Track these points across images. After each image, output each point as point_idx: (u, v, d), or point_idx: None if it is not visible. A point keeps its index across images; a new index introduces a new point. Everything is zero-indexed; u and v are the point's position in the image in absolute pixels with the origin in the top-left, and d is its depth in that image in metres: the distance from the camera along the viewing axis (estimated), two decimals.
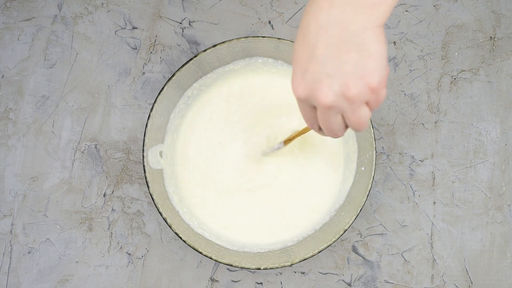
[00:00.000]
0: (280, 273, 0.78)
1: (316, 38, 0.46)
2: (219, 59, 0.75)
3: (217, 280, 0.77)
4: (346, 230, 0.72)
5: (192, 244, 0.71)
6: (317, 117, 0.51)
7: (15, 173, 0.79)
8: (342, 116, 0.49)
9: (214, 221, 0.76)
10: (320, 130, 0.53)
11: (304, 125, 0.74)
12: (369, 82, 0.46)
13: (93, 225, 0.78)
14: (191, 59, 0.73)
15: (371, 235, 0.78)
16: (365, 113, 0.48)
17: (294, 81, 0.48)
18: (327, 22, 0.45)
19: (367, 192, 0.72)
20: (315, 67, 0.46)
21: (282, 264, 0.71)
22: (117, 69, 0.80)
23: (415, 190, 0.79)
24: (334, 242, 0.72)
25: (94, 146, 0.79)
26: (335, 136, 0.51)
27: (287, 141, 0.73)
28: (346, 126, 0.51)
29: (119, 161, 0.79)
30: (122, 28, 0.80)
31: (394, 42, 0.80)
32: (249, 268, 0.71)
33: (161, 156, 0.75)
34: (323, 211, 0.77)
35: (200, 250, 0.71)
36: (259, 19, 0.81)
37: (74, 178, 0.79)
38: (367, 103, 0.48)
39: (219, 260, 0.71)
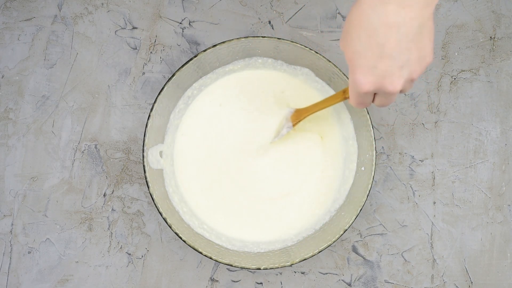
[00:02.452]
0: (280, 273, 0.78)
1: (386, 37, 0.50)
2: (219, 59, 0.75)
3: (217, 280, 0.77)
4: (346, 230, 0.72)
5: (192, 244, 0.71)
6: (371, 100, 0.56)
7: (15, 173, 0.79)
8: None
9: (214, 220, 0.76)
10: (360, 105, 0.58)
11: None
12: (427, 61, 0.52)
13: (93, 225, 0.78)
14: (191, 59, 0.73)
15: (371, 235, 0.78)
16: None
17: (362, 77, 0.52)
18: (397, 21, 0.49)
19: (367, 192, 0.72)
20: (387, 62, 0.51)
21: (282, 264, 0.71)
22: (117, 69, 0.80)
23: (415, 190, 0.79)
24: (334, 242, 0.72)
25: (94, 146, 0.79)
26: (386, 106, 0.60)
27: (295, 121, 0.74)
28: None
29: (119, 161, 0.79)
30: (122, 28, 0.80)
31: None
32: (249, 268, 0.71)
33: (161, 156, 0.75)
34: (323, 211, 0.77)
35: (200, 250, 0.71)
36: (259, 19, 0.81)
37: (74, 178, 0.79)
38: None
39: (219, 260, 0.71)
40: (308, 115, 0.73)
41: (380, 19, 0.49)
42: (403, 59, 0.51)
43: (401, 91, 0.55)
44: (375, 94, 0.55)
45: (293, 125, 0.74)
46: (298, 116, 0.74)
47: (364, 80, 0.52)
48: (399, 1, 0.49)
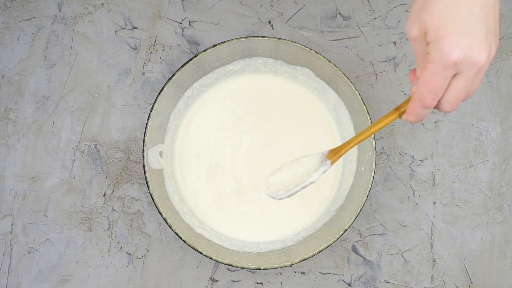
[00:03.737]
0: (280, 273, 0.78)
1: (472, 0, 0.48)
2: (219, 59, 0.75)
3: (217, 280, 0.77)
4: (346, 230, 0.72)
5: (192, 244, 0.71)
6: (446, 85, 0.51)
7: (15, 173, 0.79)
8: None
9: (214, 220, 0.76)
10: (429, 108, 0.53)
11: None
12: (496, 46, 0.51)
13: (93, 225, 0.78)
14: (191, 59, 0.73)
15: (371, 235, 0.78)
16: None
17: (453, 45, 0.48)
18: None
19: (367, 192, 0.72)
20: (476, 27, 0.48)
21: (282, 264, 0.71)
22: (117, 69, 0.80)
23: (415, 190, 0.79)
24: (334, 242, 0.72)
25: (94, 146, 0.79)
26: (453, 109, 0.53)
27: (334, 158, 0.61)
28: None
29: (119, 161, 0.79)
30: (122, 28, 0.80)
31: (394, 42, 0.80)
32: (249, 268, 0.71)
33: (161, 156, 0.75)
34: (323, 211, 0.77)
35: (200, 250, 0.71)
36: (259, 19, 0.81)
37: (74, 178, 0.79)
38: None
39: (219, 260, 0.71)
40: (349, 149, 0.61)
41: None
42: (488, 27, 0.49)
43: (473, 87, 0.51)
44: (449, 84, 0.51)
45: (332, 163, 0.61)
46: (337, 152, 0.61)
47: (454, 48, 0.48)
48: None
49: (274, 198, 0.62)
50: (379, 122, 0.57)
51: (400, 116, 0.56)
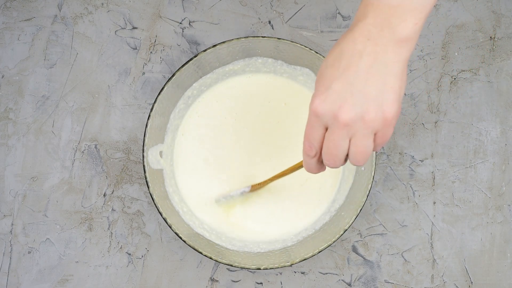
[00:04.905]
0: (280, 273, 0.78)
1: (348, 62, 0.50)
2: (219, 59, 0.75)
3: (217, 280, 0.78)
4: (346, 230, 0.72)
5: (192, 244, 0.71)
6: (322, 140, 0.53)
7: (15, 173, 0.79)
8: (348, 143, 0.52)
9: (214, 220, 0.76)
10: (312, 157, 0.55)
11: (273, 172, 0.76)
12: (385, 112, 0.50)
13: (93, 225, 0.78)
14: (191, 59, 0.73)
15: (371, 235, 0.78)
16: (370, 145, 0.52)
17: (316, 97, 0.51)
18: (362, 51, 0.49)
19: (367, 192, 0.72)
20: (342, 85, 0.50)
21: (282, 264, 0.71)
22: (117, 69, 0.80)
23: (415, 190, 0.79)
24: (334, 242, 0.72)
25: (94, 146, 0.79)
26: (333, 164, 0.54)
27: (255, 186, 0.75)
28: (346, 159, 0.54)
29: (119, 161, 0.79)
30: (122, 28, 0.80)
31: None
32: (249, 268, 0.71)
33: (161, 156, 0.75)
34: (323, 211, 0.77)
35: (200, 250, 0.71)
36: (259, 19, 0.81)
37: (74, 178, 0.79)
38: (375, 135, 0.51)
39: (219, 260, 0.71)
40: (269, 182, 0.74)
41: (348, 44, 0.50)
42: (358, 89, 0.49)
43: (354, 148, 0.52)
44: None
45: (251, 189, 0.75)
46: (255, 187, 0.75)
47: (317, 99, 0.51)
48: (366, 32, 0.49)
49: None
50: (288, 170, 0.69)
51: (302, 166, 0.64)
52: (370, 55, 0.49)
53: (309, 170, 0.57)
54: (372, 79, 0.49)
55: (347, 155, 0.53)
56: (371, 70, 0.49)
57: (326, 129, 0.52)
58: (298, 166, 0.67)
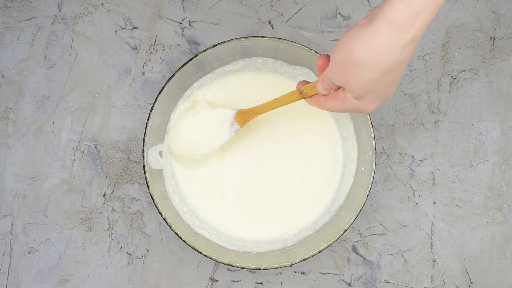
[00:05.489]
0: (280, 273, 0.78)
1: (395, 76, 0.53)
2: (219, 59, 0.75)
3: (217, 280, 0.77)
4: (346, 230, 0.72)
5: (192, 244, 0.71)
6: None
7: (15, 173, 0.79)
8: None
9: (214, 220, 0.76)
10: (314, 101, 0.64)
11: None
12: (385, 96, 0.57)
13: (93, 225, 0.78)
14: (191, 59, 0.73)
15: (371, 235, 0.78)
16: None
17: (368, 105, 0.57)
18: (406, 59, 0.52)
19: (367, 192, 0.72)
20: (385, 92, 0.55)
21: (282, 264, 0.71)
22: (117, 69, 0.80)
23: (415, 190, 0.79)
24: (334, 242, 0.72)
25: (94, 146, 0.79)
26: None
27: (243, 123, 0.74)
28: None
29: (119, 161, 0.79)
30: (122, 28, 0.80)
31: None
32: (249, 268, 0.71)
33: (161, 156, 0.75)
34: (323, 211, 0.77)
35: (200, 250, 0.71)
36: (259, 19, 0.81)
37: (74, 178, 0.79)
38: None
39: (219, 260, 0.71)
40: (256, 116, 0.72)
41: (396, 60, 0.51)
42: (390, 87, 0.55)
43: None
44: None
45: (241, 126, 0.73)
46: (244, 118, 0.73)
47: (373, 106, 0.57)
48: (409, 41, 0.50)
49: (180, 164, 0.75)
50: (284, 98, 0.68)
51: (302, 98, 0.66)
52: (407, 58, 0.52)
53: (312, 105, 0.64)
54: (391, 82, 0.55)
55: None
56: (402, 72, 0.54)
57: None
58: (291, 99, 0.68)
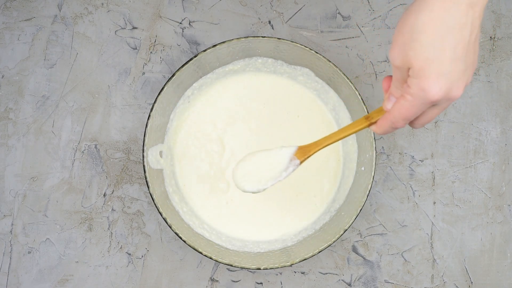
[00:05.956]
0: (280, 273, 0.78)
1: (457, 39, 0.48)
2: (219, 59, 0.75)
3: (217, 280, 0.78)
4: (346, 230, 0.72)
5: (192, 244, 0.71)
6: (419, 113, 0.53)
7: (15, 173, 0.79)
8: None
9: (214, 220, 0.76)
10: (395, 127, 0.55)
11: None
12: (475, 68, 0.52)
13: (93, 225, 0.78)
14: (191, 59, 0.73)
15: (371, 235, 0.78)
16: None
17: (433, 85, 0.50)
18: (467, 22, 0.49)
19: (367, 192, 0.72)
20: (459, 65, 0.49)
21: (282, 264, 0.71)
22: (117, 69, 0.80)
23: (415, 190, 0.79)
24: (334, 242, 0.72)
25: (94, 146, 0.79)
26: (420, 126, 0.56)
27: (303, 158, 0.63)
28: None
29: (119, 161, 0.79)
30: (122, 28, 0.80)
31: None
32: (249, 268, 0.71)
33: (161, 156, 0.75)
34: (323, 211, 0.77)
35: (200, 250, 0.71)
36: (259, 19, 0.81)
37: (74, 178, 0.79)
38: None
39: (219, 260, 0.71)
40: (318, 150, 0.63)
41: (455, 20, 0.48)
42: (466, 63, 0.50)
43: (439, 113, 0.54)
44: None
45: (301, 162, 0.63)
46: (305, 152, 0.63)
47: (436, 86, 0.50)
48: (469, 1, 0.48)
49: (241, 190, 0.65)
50: (349, 128, 0.60)
51: (369, 126, 0.58)
52: (474, 24, 0.49)
53: (385, 133, 0.57)
54: (474, 48, 0.50)
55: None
56: (474, 39, 0.49)
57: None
58: (363, 127, 0.59)
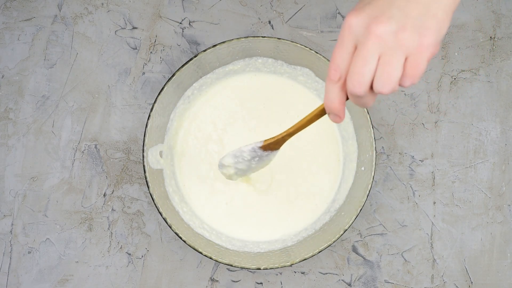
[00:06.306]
0: (280, 273, 0.78)
1: None
2: (219, 59, 0.75)
3: (217, 280, 0.78)
4: (346, 230, 0.72)
5: (192, 244, 0.71)
6: (349, 61, 0.49)
7: (15, 173, 0.79)
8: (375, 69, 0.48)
9: (214, 220, 0.76)
10: (337, 83, 0.50)
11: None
12: (422, 36, 0.46)
13: (93, 225, 0.78)
14: (191, 59, 0.73)
15: (371, 235, 0.78)
16: (398, 68, 0.47)
17: (353, 10, 0.47)
18: None
19: (367, 192, 0.72)
20: (382, 2, 0.46)
21: (282, 264, 0.71)
22: (117, 69, 0.80)
23: (415, 190, 0.79)
24: (334, 242, 0.72)
25: (94, 146, 0.79)
26: (358, 87, 0.49)
27: (268, 141, 0.65)
28: (371, 89, 0.49)
29: (119, 161, 0.79)
30: (122, 28, 0.80)
31: None
32: (249, 268, 0.71)
33: (161, 156, 0.75)
34: (323, 211, 0.77)
35: (200, 250, 0.71)
36: (259, 19, 0.81)
37: (74, 178, 0.79)
38: (406, 61, 0.47)
39: (219, 260, 0.71)
40: (286, 140, 0.64)
41: None
42: (398, 8, 0.46)
43: (382, 67, 0.47)
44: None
45: (264, 149, 0.66)
46: (274, 145, 0.65)
47: (354, 13, 0.47)
48: None
49: (226, 177, 0.72)
50: (307, 117, 0.58)
51: (325, 113, 0.55)
52: None
53: (330, 105, 0.51)
54: (414, 1, 0.46)
55: (372, 83, 0.48)
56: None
57: (355, 49, 0.48)
58: (316, 114, 0.57)
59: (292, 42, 0.73)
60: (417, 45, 0.47)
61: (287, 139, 0.63)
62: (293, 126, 0.61)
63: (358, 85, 0.48)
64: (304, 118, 0.59)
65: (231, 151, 0.70)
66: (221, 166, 0.70)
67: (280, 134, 0.63)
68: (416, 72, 0.47)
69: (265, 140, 0.65)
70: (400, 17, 0.46)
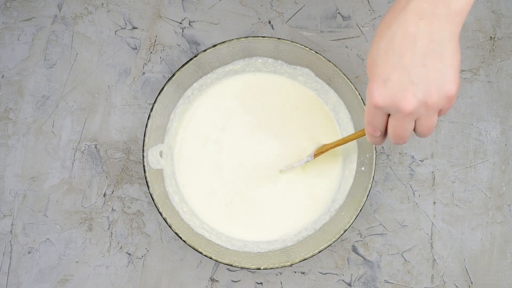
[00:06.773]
0: (280, 273, 0.78)
1: (403, 47, 0.48)
2: (219, 59, 0.75)
3: (217, 280, 0.78)
4: (346, 230, 0.72)
5: (192, 244, 0.71)
6: (385, 124, 0.53)
7: (15, 173, 0.79)
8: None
9: (214, 220, 0.76)
10: (377, 137, 0.55)
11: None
12: (447, 90, 0.49)
13: (93, 225, 0.78)
14: (191, 59, 0.73)
15: (371, 235, 0.78)
16: (435, 120, 0.52)
17: (375, 89, 0.50)
18: (416, 33, 0.48)
19: (367, 192, 0.72)
20: (400, 74, 0.49)
21: (282, 264, 0.71)
22: (117, 69, 0.80)
23: (415, 190, 0.79)
24: (334, 242, 0.72)
25: (94, 146, 0.79)
26: (401, 141, 0.54)
27: (317, 154, 0.74)
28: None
29: (119, 161, 0.79)
30: (122, 28, 0.80)
31: None
32: (249, 268, 0.71)
33: (161, 156, 0.75)
34: (323, 211, 0.77)
35: (200, 250, 0.71)
36: (259, 19, 0.81)
37: (74, 178, 0.79)
38: (439, 110, 0.51)
39: (219, 260, 0.71)
40: (331, 148, 0.73)
41: (400, 27, 0.49)
42: (417, 75, 0.48)
43: (420, 128, 0.52)
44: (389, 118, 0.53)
45: (314, 157, 0.74)
46: (321, 148, 0.74)
47: (377, 92, 0.50)
48: (419, 11, 0.48)
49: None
50: (351, 136, 0.69)
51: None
52: (424, 36, 0.48)
53: (374, 143, 0.57)
54: (430, 61, 0.48)
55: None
56: (428, 52, 0.48)
57: (388, 114, 0.52)
58: (357, 135, 0.67)
59: (292, 42, 0.73)
60: (446, 99, 0.50)
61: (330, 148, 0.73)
62: (335, 142, 0.72)
63: (402, 141, 0.54)
64: (348, 136, 0.69)
65: (286, 167, 0.77)
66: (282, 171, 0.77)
67: (327, 145, 0.74)
68: (449, 108, 0.52)
69: (315, 154, 0.74)
70: (423, 85, 0.49)
